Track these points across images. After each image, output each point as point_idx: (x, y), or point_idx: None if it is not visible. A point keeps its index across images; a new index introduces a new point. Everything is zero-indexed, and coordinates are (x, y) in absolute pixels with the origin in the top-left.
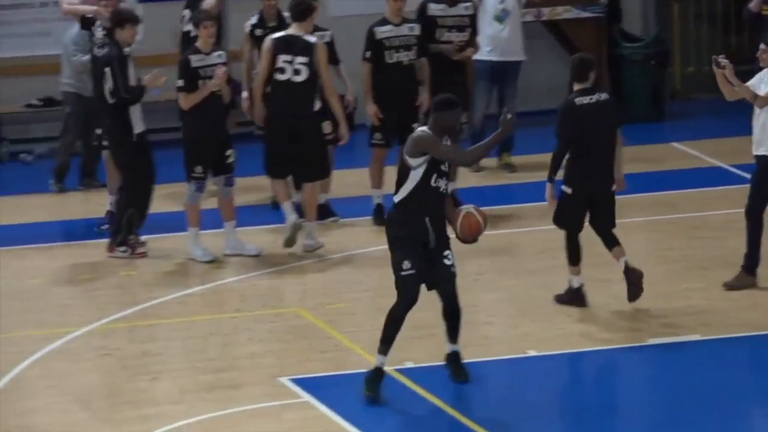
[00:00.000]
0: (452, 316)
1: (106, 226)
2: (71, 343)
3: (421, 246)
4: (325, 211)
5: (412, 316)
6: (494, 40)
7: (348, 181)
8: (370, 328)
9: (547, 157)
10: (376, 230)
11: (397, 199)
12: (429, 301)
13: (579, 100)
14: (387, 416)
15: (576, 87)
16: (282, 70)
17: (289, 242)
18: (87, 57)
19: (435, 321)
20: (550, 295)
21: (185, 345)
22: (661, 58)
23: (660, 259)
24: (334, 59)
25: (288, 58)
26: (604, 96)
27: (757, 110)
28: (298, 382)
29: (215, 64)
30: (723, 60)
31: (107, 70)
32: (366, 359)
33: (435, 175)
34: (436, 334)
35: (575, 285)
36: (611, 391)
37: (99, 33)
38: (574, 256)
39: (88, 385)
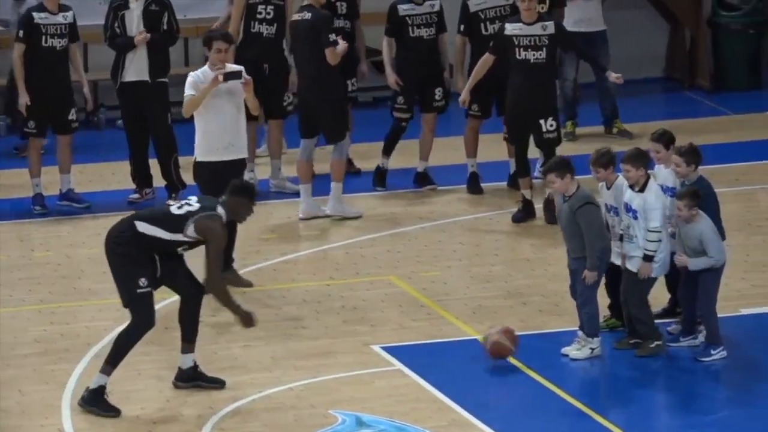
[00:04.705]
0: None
1: None
2: (164, 309)
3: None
4: (423, 179)
5: (504, 285)
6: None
7: (445, 150)
8: (462, 296)
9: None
10: (470, 198)
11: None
12: (524, 270)
13: None
14: (479, 385)
15: None
16: None
17: None
18: None
19: (527, 291)
20: None
21: (278, 313)
22: (759, 26)
23: (756, 229)
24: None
25: None
26: None
27: None
28: (390, 350)
29: None
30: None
31: None
32: (459, 328)
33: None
34: (527, 303)
35: None
36: None
37: None
38: None
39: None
